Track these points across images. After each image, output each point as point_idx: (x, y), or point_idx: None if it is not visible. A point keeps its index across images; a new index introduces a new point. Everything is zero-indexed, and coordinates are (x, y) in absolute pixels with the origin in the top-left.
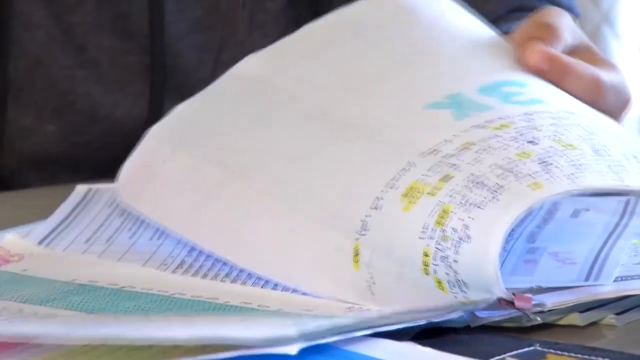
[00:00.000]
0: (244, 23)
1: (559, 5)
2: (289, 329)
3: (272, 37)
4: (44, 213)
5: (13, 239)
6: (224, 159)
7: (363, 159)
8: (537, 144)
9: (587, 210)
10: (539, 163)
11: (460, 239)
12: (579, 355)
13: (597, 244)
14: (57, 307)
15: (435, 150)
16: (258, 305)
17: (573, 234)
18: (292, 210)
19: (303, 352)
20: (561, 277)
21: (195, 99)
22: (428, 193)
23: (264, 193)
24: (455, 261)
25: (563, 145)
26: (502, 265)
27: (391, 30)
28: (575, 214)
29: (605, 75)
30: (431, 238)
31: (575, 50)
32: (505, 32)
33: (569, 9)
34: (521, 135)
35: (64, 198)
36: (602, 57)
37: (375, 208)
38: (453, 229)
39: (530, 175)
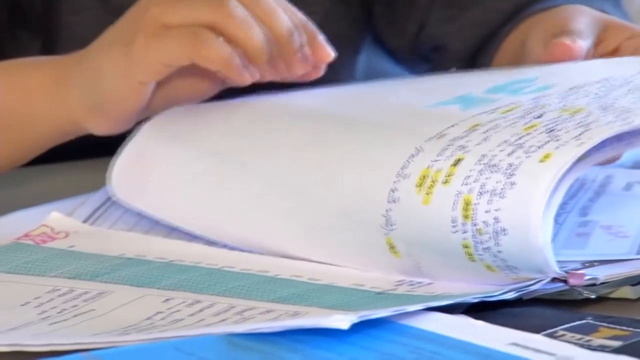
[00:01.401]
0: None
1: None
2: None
3: (318, 15)
4: (90, 186)
5: (58, 217)
6: (222, 151)
7: (373, 149)
8: (543, 116)
9: None
10: (547, 132)
11: (496, 232)
12: (632, 329)
13: None
14: (108, 282)
15: (442, 134)
16: (309, 279)
17: (625, 207)
18: (306, 205)
19: (358, 325)
20: (613, 250)
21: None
22: (444, 182)
23: (270, 186)
24: (499, 252)
25: (570, 113)
26: (553, 239)
27: None
28: (628, 187)
29: None
30: (465, 232)
31: (605, 32)
32: (550, 7)
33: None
34: (528, 113)
35: (105, 171)
36: (627, 30)
37: (393, 201)
38: (484, 222)
39: (539, 147)
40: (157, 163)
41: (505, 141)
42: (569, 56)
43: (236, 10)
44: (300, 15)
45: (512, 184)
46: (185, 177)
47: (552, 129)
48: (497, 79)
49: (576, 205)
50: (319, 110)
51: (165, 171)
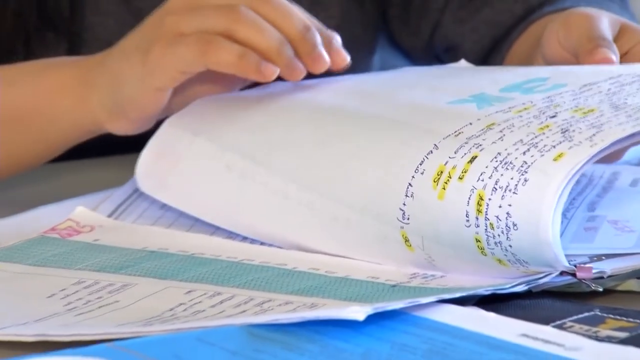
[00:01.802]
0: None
1: None
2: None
3: (335, 18)
4: (114, 182)
5: (83, 212)
6: (244, 146)
7: (393, 146)
8: (557, 116)
9: None
10: (561, 132)
11: (508, 227)
12: (638, 321)
13: None
14: (131, 274)
15: (458, 132)
16: (326, 272)
17: (632, 202)
18: (326, 199)
19: (373, 317)
20: (620, 245)
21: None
22: (459, 178)
23: (291, 180)
24: (510, 246)
25: (583, 113)
26: (562, 234)
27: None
28: (635, 183)
29: None
30: (477, 226)
31: (619, 34)
32: (560, 10)
33: None
34: (543, 113)
35: (133, 167)
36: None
37: (409, 196)
38: (497, 217)
39: (552, 146)
40: (180, 156)
41: (520, 140)
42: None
43: (248, 15)
44: (314, 20)
45: (525, 180)
46: (208, 171)
47: (566, 129)
48: (511, 78)
49: (584, 200)
50: (340, 107)
51: (188, 164)
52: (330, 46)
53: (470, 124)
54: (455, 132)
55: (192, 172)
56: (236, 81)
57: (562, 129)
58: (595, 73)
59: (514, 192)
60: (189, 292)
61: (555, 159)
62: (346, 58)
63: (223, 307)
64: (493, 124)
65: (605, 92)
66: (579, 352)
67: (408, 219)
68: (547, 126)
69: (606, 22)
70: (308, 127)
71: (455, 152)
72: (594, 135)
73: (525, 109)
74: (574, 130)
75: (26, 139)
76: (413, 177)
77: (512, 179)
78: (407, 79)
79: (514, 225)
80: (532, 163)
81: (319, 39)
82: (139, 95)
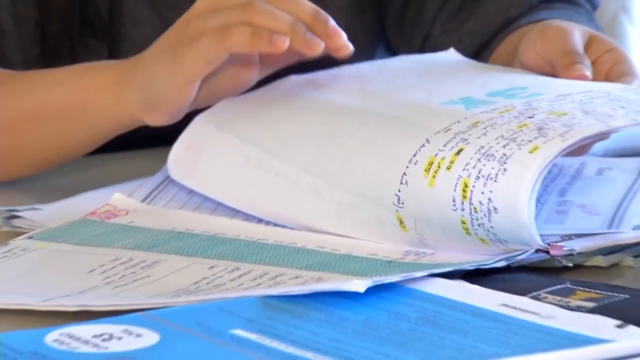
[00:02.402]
0: None
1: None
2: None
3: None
4: (147, 171)
5: (119, 197)
6: (261, 139)
7: (390, 140)
8: (535, 117)
9: (610, 169)
10: (537, 130)
11: (489, 210)
12: (603, 292)
13: (618, 197)
14: (161, 252)
15: (448, 128)
16: (331, 249)
17: (598, 189)
18: (332, 186)
19: (372, 289)
20: (588, 226)
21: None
22: (447, 168)
23: (302, 170)
24: (491, 227)
25: (557, 115)
26: (537, 216)
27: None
28: (600, 172)
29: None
30: (463, 210)
31: (587, 44)
32: (535, 21)
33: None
34: (522, 114)
35: (163, 159)
36: (605, 44)
37: (404, 183)
38: (480, 202)
39: (529, 141)
40: (206, 148)
41: (502, 135)
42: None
43: (261, 6)
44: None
45: (505, 170)
46: (229, 161)
47: (541, 127)
48: (496, 85)
49: (556, 187)
50: (345, 105)
51: (212, 155)
52: (326, 27)
53: (458, 121)
54: (445, 128)
55: (215, 162)
56: (253, 72)
57: (538, 127)
58: (570, 86)
59: (494, 181)
60: (212, 267)
61: (530, 152)
62: (341, 34)
63: (241, 281)
64: (478, 122)
65: (577, 102)
66: (552, 320)
67: (403, 203)
68: (525, 124)
69: (578, 34)
70: (317, 123)
71: (444, 145)
72: (565, 132)
73: (507, 110)
74: (548, 128)
75: (73, 130)
76: (407, 167)
77: (493, 168)
78: (407, 80)
79: (495, 209)
80: (510, 155)
81: (330, 19)
82: (171, 90)
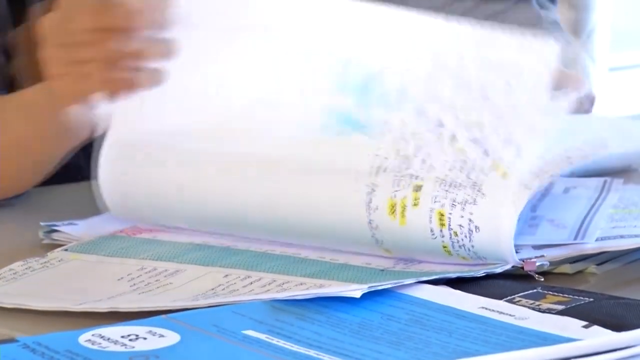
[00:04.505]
0: None
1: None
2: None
3: None
4: None
5: None
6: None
7: (334, 191)
8: (457, 135)
9: (575, 187)
10: (483, 152)
11: (470, 230)
12: (571, 296)
13: (583, 212)
14: (181, 262)
15: (378, 167)
16: (330, 259)
17: (565, 205)
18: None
19: (367, 294)
20: (556, 237)
21: None
22: (413, 205)
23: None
24: (472, 246)
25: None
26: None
27: None
28: (566, 190)
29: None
30: (443, 236)
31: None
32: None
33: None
34: (437, 132)
35: None
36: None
37: (375, 228)
38: (460, 225)
39: (491, 166)
40: (136, 189)
41: (448, 161)
42: None
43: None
44: None
45: (483, 194)
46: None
47: (485, 150)
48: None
49: (528, 204)
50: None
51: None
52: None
53: (377, 155)
54: (374, 168)
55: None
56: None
57: (483, 151)
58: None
59: (473, 204)
60: (226, 275)
61: (502, 176)
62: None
63: (252, 287)
64: (398, 149)
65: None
66: (526, 321)
67: (382, 241)
68: (460, 150)
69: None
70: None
71: (395, 187)
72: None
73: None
74: (488, 146)
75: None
76: (368, 214)
77: (469, 195)
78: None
79: (477, 228)
80: (482, 183)
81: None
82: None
